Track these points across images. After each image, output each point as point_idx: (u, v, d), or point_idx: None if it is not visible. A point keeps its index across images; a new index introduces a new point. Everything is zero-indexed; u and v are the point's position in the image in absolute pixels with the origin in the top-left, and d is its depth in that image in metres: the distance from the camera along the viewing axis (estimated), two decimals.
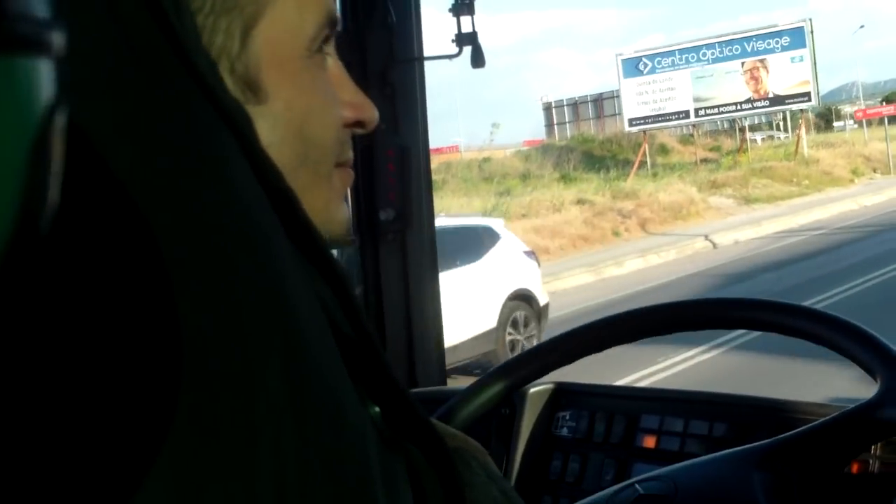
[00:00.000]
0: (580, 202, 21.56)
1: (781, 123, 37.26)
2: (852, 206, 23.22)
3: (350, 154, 0.73)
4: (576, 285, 15.96)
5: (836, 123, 46.91)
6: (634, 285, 14.76)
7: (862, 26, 61.59)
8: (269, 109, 0.62)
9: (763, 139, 37.88)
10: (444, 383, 1.93)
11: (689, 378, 8.54)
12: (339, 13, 0.70)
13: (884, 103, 39.23)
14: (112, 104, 0.38)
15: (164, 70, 0.43)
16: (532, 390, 1.48)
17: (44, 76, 0.23)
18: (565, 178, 28.28)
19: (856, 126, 41.23)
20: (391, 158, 1.76)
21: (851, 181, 28.14)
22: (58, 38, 0.23)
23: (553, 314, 11.26)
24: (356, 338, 0.54)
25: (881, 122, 36.67)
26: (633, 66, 29.69)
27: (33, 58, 0.22)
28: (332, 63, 0.71)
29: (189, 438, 0.38)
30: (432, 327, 1.91)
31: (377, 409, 0.56)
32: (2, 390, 0.30)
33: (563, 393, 1.50)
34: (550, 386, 1.50)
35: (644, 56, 29.71)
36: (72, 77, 0.25)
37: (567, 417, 1.48)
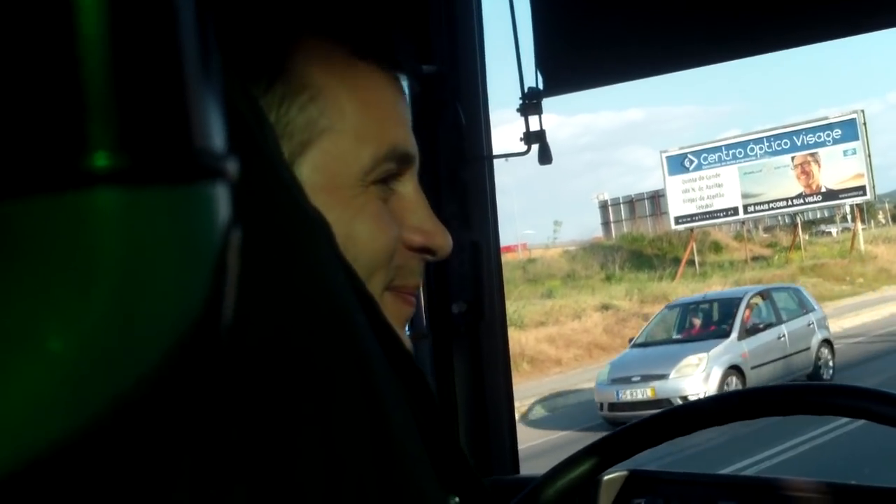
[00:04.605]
0: (604, 308, 20.58)
1: (848, 216, 35.75)
2: None
3: (411, 281, 0.77)
4: (576, 402, 15.07)
5: None
6: None
7: None
8: None
9: (839, 232, 36.44)
10: (518, 471, 1.97)
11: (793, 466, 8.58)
12: (413, 149, 0.76)
13: None
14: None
15: (256, 180, 0.46)
16: (606, 477, 1.46)
17: (222, 200, 0.26)
18: (610, 278, 27.40)
19: None
20: (463, 253, 1.83)
21: None
22: (232, 167, 0.27)
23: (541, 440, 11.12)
24: (434, 429, 0.57)
25: None
26: (678, 163, 28.81)
27: (215, 184, 0.26)
28: (409, 190, 0.77)
29: None
30: (505, 416, 1.95)
31: (457, 499, 0.60)
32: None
33: (638, 479, 1.49)
34: (624, 473, 1.48)
35: (689, 153, 28.82)
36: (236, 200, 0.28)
37: None
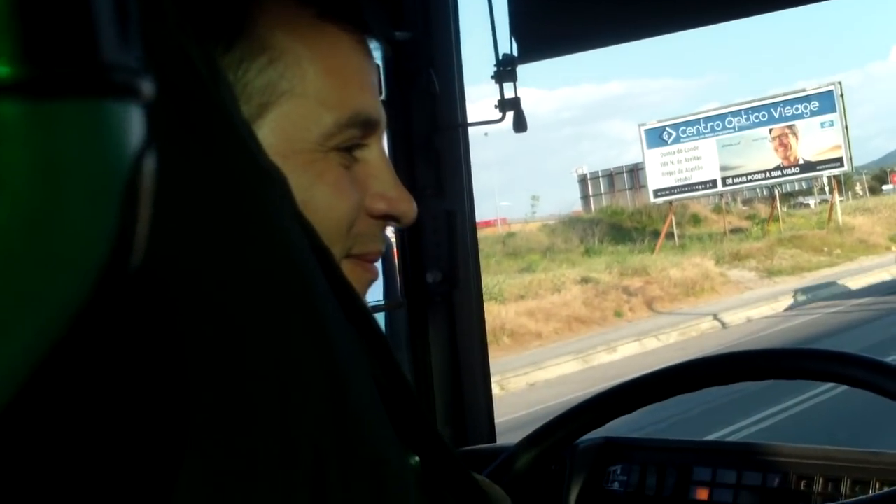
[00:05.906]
0: (584, 281, 20.61)
1: (826, 188, 35.91)
2: (884, 276, 21.82)
3: (372, 247, 0.75)
4: (559, 375, 15.02)
5: (884, 187, 45.20)
6: (619, 376, 13.74)
7: None
8: None
9: (817, 203, 36.64)
10: (495, 441, 1.95)
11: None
12: (378, 115, 0.74)
13: None
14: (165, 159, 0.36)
15: (208, 128, 0.45)
16: (582, 445, 1.47)
17: (135, 121, 0.25)
18: (590, 252, 27.44)
19: None
20: (437, 222, 1.82)
21: (888, 249, 26.69)
22: (147, 87, 0.25)
23: (517, 413, 10.57)
24: (394, 389, 0.55)
25: None
26: (656, 136, 28.78)
27: (125, 103, 0.24)
28: (374, 156, 0.75)
29: (230, 482, 0.41)
30: (481, 386, 1.95)
31: (416, 458, 0.58)
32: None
33: (613, 447, 1.50)
34: (600, 440, 1.49)
35: (668, 126, 28.78)
36: (154, 124, 0.26)
37: (618, 472, 1.47)
